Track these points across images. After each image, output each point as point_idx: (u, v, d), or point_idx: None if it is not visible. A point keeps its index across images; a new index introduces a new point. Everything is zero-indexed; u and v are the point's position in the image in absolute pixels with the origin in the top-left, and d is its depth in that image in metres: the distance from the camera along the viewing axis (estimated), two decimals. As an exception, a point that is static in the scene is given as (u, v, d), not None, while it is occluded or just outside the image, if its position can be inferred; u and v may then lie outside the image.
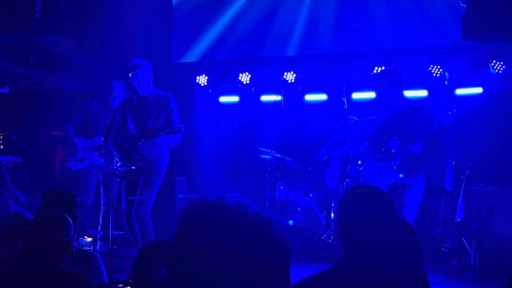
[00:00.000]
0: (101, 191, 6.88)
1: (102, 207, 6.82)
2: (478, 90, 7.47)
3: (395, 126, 5.59)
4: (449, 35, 7.40)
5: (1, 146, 8.34)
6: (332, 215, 7.37)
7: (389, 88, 5.57)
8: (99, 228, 6.83)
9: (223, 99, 9.17)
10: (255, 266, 1.13)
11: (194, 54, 9.16)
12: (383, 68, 7.87)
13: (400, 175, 5.47)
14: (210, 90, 9.16)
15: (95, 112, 7.01)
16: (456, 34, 4.84)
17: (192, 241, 1.15)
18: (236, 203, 1.20)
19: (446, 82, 7.61)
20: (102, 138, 6.37)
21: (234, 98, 9.04)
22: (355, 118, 7.64)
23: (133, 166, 5.83)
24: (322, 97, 8.57)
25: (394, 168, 5.51)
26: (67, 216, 3.04)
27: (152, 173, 5.88)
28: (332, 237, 7.18)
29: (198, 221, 1.17)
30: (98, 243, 6.71)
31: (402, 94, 5.64)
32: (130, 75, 5.75)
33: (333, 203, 7.36)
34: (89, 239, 5.07)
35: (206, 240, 1.14)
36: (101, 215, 6.81)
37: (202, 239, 1.14)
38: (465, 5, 5.13)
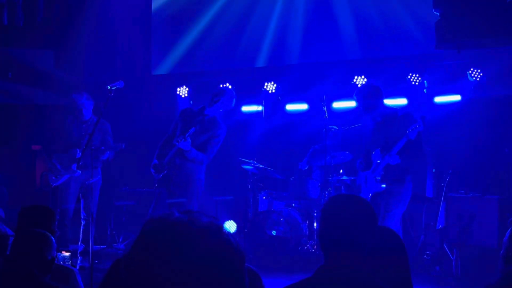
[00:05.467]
0: (81, 205, 6.80)
1: (82, 221, 6.73)
2: (457, 97, 7.55)
3: (377, 135, 5.66)
4: (426, 44, 7.49)
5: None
6: (315, 224, 7.37)
7: (368, 99, 5.63)
8: (79, 242, 6.74)
9: (204, 110, 9.14)
10: (210, 274, 1.12)
11: (174, 66, 9.14)
12: (363, 77, 7.93)
13: (382, 185, 5.51)
14: (191, 102, 9.13)
15: (69, 126, 6.97)
16: (432, 42, 4.89)
17: (144, 258, 1.14)
18: (185, 215, 1.19)
19: (425, 90, 7.68)
20: (79, 151, 6.32)
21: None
22: (335, 127, 7.68)
23: None
24: (303, 106, 8.60)
25: (378, 178, 5.56)
26: (49, 234, 3.01)
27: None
28: (315, 247, 7.17)
29: (148, 238, 1.16)
30: (79, 257, 6.63)
31: (382, 103, 5.69)
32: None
33: (316, 213, 7.37)
34: (67, 254, 5.01)
35: (158, 255, 1.12)
36: (81, 230, 6.73)
37: (154, 255, 1.13)
38: (438, 13, 5.19)
